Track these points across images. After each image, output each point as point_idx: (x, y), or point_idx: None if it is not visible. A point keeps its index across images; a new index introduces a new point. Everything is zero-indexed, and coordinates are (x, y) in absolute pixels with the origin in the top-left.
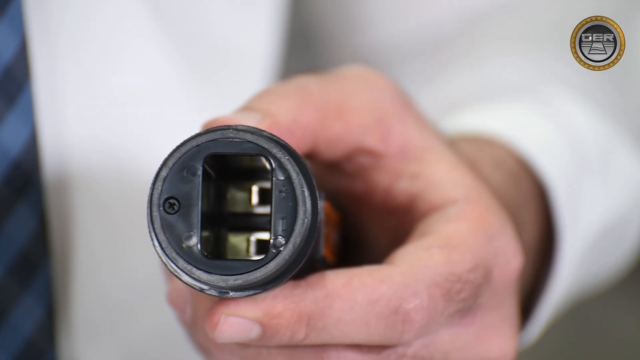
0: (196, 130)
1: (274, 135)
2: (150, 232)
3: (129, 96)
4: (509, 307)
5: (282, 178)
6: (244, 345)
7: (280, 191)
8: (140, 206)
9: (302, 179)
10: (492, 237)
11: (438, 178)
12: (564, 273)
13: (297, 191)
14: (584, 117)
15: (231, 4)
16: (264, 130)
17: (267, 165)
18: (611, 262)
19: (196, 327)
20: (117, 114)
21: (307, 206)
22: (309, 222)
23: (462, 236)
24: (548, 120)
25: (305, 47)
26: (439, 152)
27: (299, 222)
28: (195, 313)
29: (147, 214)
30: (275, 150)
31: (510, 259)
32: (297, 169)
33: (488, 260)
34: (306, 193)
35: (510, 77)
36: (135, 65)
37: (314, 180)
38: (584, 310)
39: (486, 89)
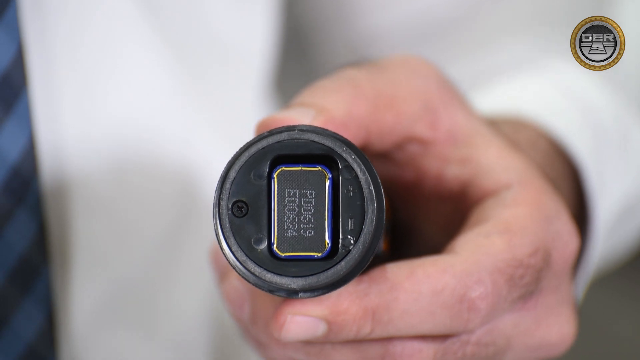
0: (199, 132)
1: (338, 134)
2: (218, 236)
3: (126, 101)
4: (567, 289)
5: (349, 177)
6: (308, 341)
7: (348, 190)
8: (138, 210)
9: (369, 177)
10: (550, 220)
11: (489, 162)
12: (597, 252)
13: (364, 190)
14: (600, 93)
15: (227, 3)
16: (327, 129)
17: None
18: (624, 239)
19: (256, 325)
20: (115, 118)
21: (374, 204)
22: (376, 219)
23: (521, 221)
24: (572, 99)
25: (300, 41)
26: (487, 136)
27: (368, 220)
28: (255, 311)
29: (216, 218)
30: (341, 150)
31: (568, 241)
32: (363, 167)
33: (547, 244)
34: (373, 191)
35: (522, 55)
36: (131, 70)
37: (378, 177)
38: (583, 310)
39: (502, 68)
